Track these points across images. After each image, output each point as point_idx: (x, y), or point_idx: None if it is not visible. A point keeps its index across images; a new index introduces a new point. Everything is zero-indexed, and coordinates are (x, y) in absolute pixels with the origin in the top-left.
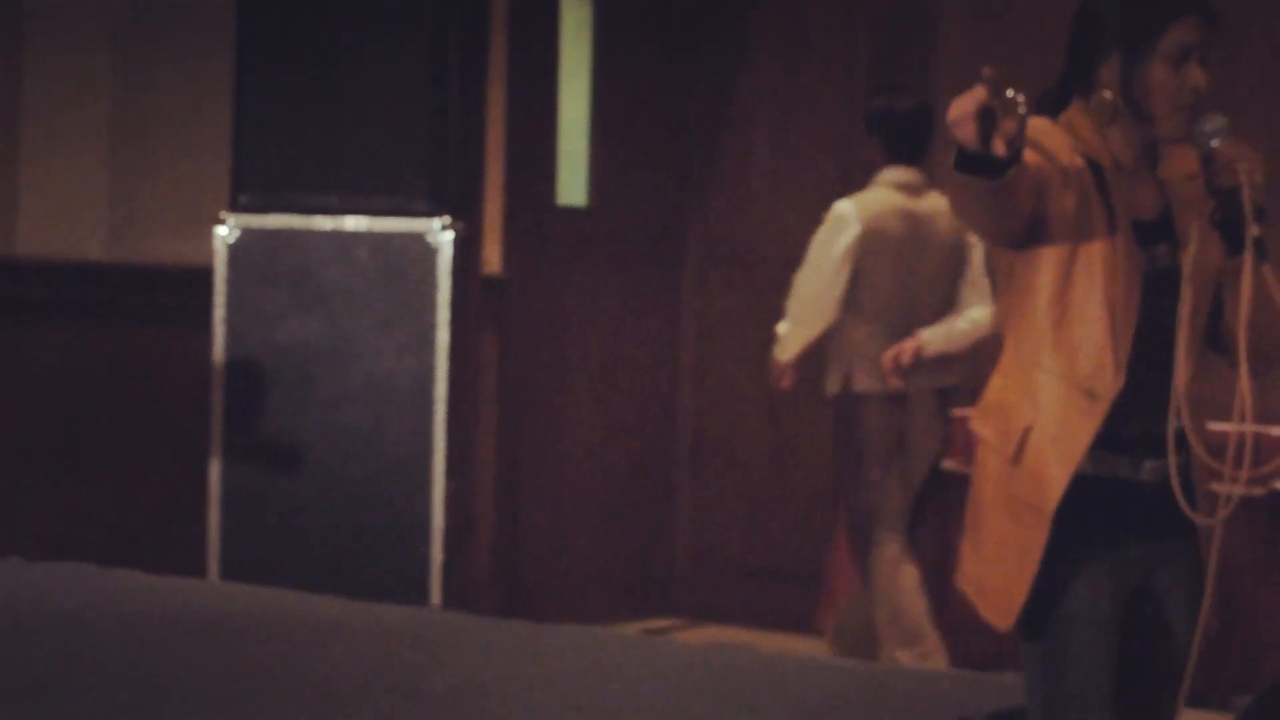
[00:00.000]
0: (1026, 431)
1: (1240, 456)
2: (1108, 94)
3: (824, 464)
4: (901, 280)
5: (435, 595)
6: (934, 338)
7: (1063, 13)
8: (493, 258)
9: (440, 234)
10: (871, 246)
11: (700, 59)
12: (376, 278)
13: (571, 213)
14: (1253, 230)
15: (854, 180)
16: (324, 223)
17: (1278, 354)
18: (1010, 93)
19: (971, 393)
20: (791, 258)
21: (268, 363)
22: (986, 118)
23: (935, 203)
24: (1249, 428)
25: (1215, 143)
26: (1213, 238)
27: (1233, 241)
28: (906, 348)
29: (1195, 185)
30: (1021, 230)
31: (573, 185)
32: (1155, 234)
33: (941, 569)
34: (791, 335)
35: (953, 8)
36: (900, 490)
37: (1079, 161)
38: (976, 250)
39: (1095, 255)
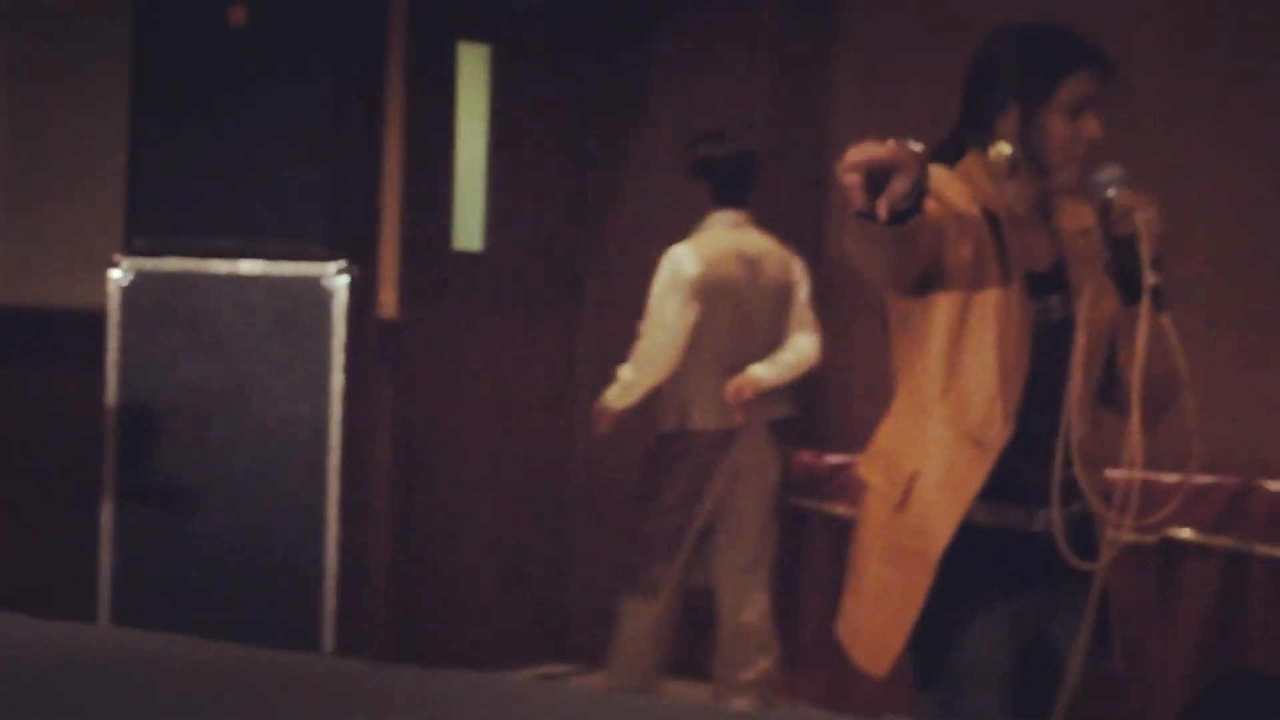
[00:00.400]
0: (913, 478)
1: (1126, 504)
2: (1007, 146)
3: None
4: (737, 320)
5: (328, 641)
6: (766, 372)
7: (958, 61)
8: (388, 302)
9: (336, 278)
10: (709, 288)
11: (598, 103)
12: (271, 321)
13: (468, 257)
14: (1149, 279)
15: (752, 217)
16: (219, 266)
17: (1168, 404)
18: (912, 145)
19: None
20: None
21: (162, 406)
22: (876, 176)
23: (762, 242)
24: (1137, 475)
25: (1111, 192)
26: (1108, 289)
27: (1129, 291)
28: (745, 383)
29: (1089, 238)
30: (917, 277)
31: (469, 229)
32: (1048, 285)
33: (826, 613)
34: (635, 383)
35: (850, 57)
36: (731, 525)
37: (975, 211)
38: (802, 286)
39: (989, 305)
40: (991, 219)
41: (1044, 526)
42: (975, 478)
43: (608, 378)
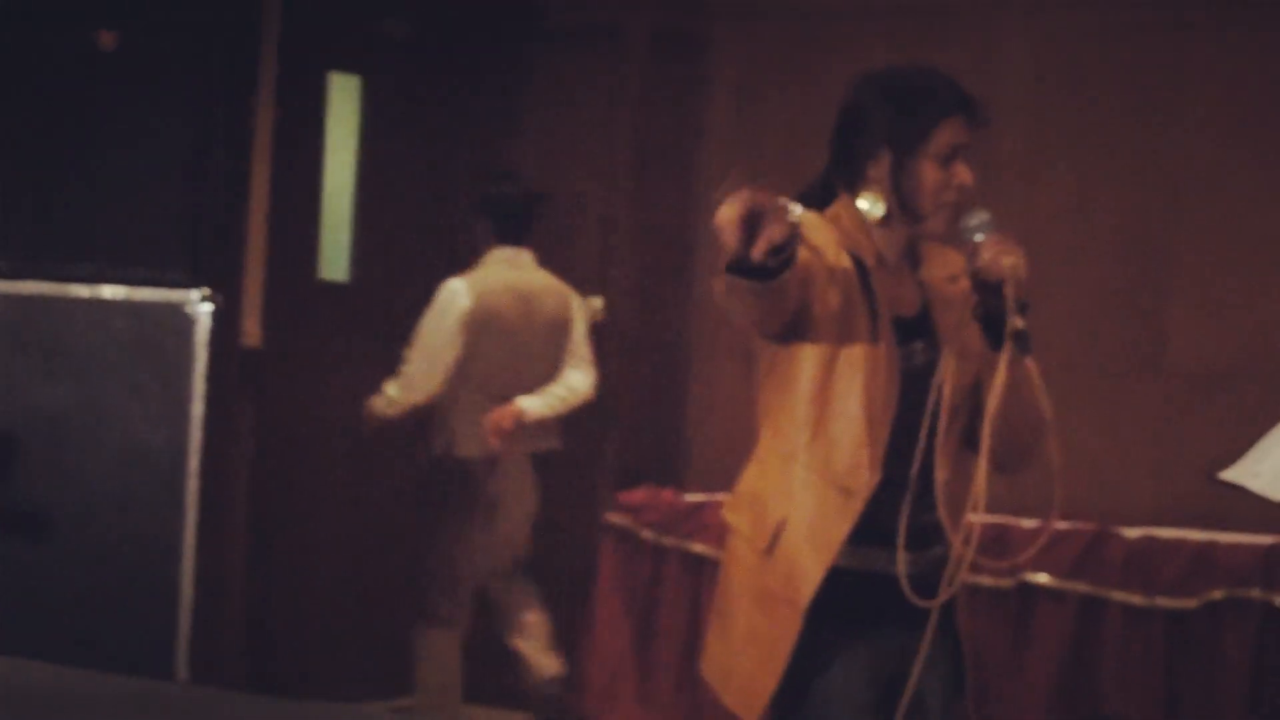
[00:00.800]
0: (781, 525)
1: (970, 544)
2: (877, 201)
3: (582, 544)
4: (509, 353)
5: (182, 669)
6: (532, 405)
7: (828, 102)
8: (252, 330)
9: (198, 305)
10: (481, 321)
11: (468, 135)
12: (132, 347)
13: (333, 287)
14: (1015, 323)
15: (618, 255)
16: (79, 290)
17: (1032, 449)
18: (783, 202)
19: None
20: None
21: (17, 430)
22: (751, 223)
23: (540, 279)
24: (984, 518)
25: (979, 236)
26: (974, 335)
27: (994, 336)
28: (507, 413)
29: (955, 286)
30: (786, 324)
31: (335, 259)
32: (914, 331)
33: (684, 649)
34: (395, 401)
35: (722, 94)
36: (484, 557)
37: (845, 259)
38: (578, 323)
39: (856, 352)
40: (860, 266)
41: (907, 569)
42: (842, 525)
43: None
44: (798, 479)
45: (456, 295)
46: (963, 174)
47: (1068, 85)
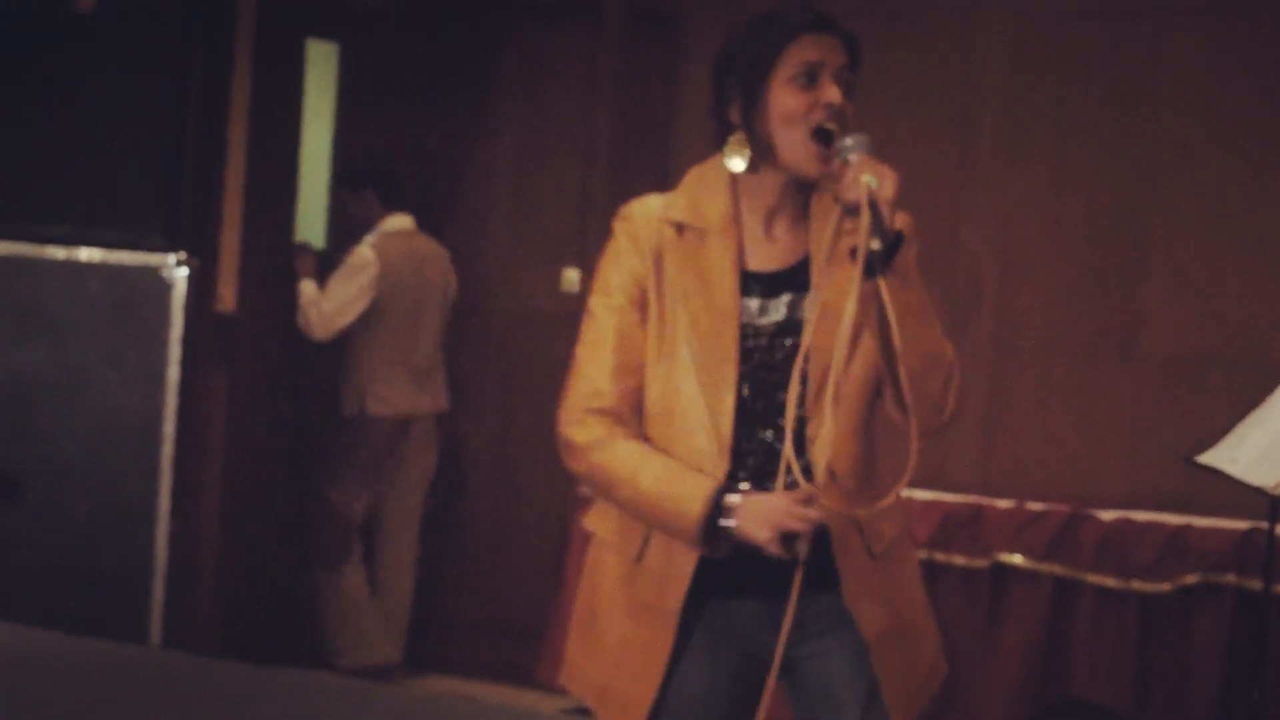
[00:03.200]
0: (649, 529)
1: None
2: (739, 142)
3: (549, 518)
4: (410, 316)
5: (156, 634)
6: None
7: None
8: (227, 295)
9: (175, 269)
10: (387, 288)
11: (444, 104)
12: (107, 311)
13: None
14: (869, 243)
15: (591, 237)
16: (55, 253)
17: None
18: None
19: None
20: (529, 309)
21: None
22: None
23: (429, 245)
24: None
25: (853, 157)
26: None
27: (867, 267)
28: None
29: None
30: None
31: (313, 226)
32: (778, 286)
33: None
34: (308, 304)
35: (699, 70)
36: (394, 506)
37: (655, 233)
38: (453, 286)
39: (682, 325)
40: (680, 231)
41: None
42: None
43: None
44: None
45: (368, 264)
46: (830, 93)
47: (1045, 68)
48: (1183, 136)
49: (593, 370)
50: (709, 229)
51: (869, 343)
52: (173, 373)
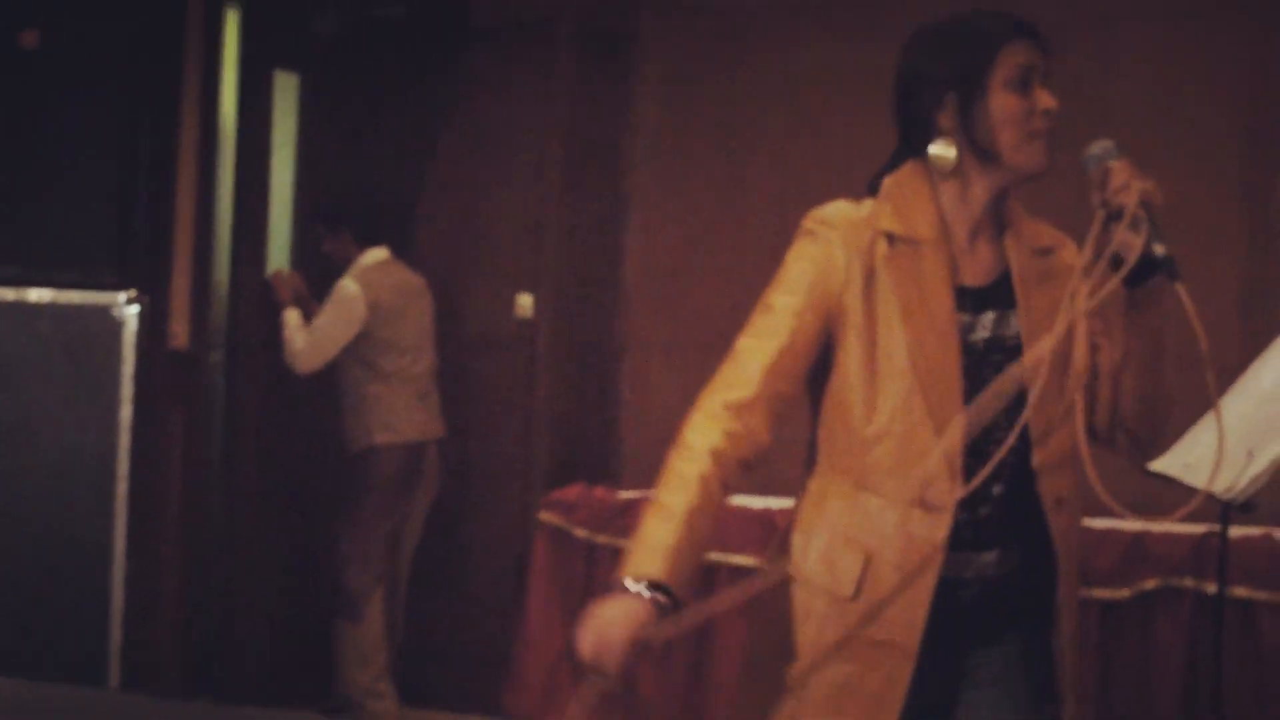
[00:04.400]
0: (865, 562)
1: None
2: (947, 141)
3: (508, 545)
4: (407, 343)
5: (114, 676)
6: None
7: (755, 97)
8: (180, 332)
9: (125, 307)
10: (380, 318)
11: (398, 130)
12: (59, 351)
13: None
14: (1158, 248)
15: (549, 252)
16: (5, 294)
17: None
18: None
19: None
20: (484, 334)
21: None
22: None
23: (409, 276)
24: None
25: (1112, 162)
26: (1059, 313)
27: (1131, 277)
28: None
29: (1047, 259)
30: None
31: (278, 256)
32: (983, 302)
33: None
34: (292, 333)
35: (650, 90)
36: (407, 538)
37: (864, 244)
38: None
39: (895, 341)
40: (891, 241)
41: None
42: (934, 543)
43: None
44: (874, 509)
45: (351, 296)
46: (1045, 99)
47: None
48: (1133, 145)
49: (752, 361)
50: (922, 240)
51: (1081, 362)
52: (126, 411)
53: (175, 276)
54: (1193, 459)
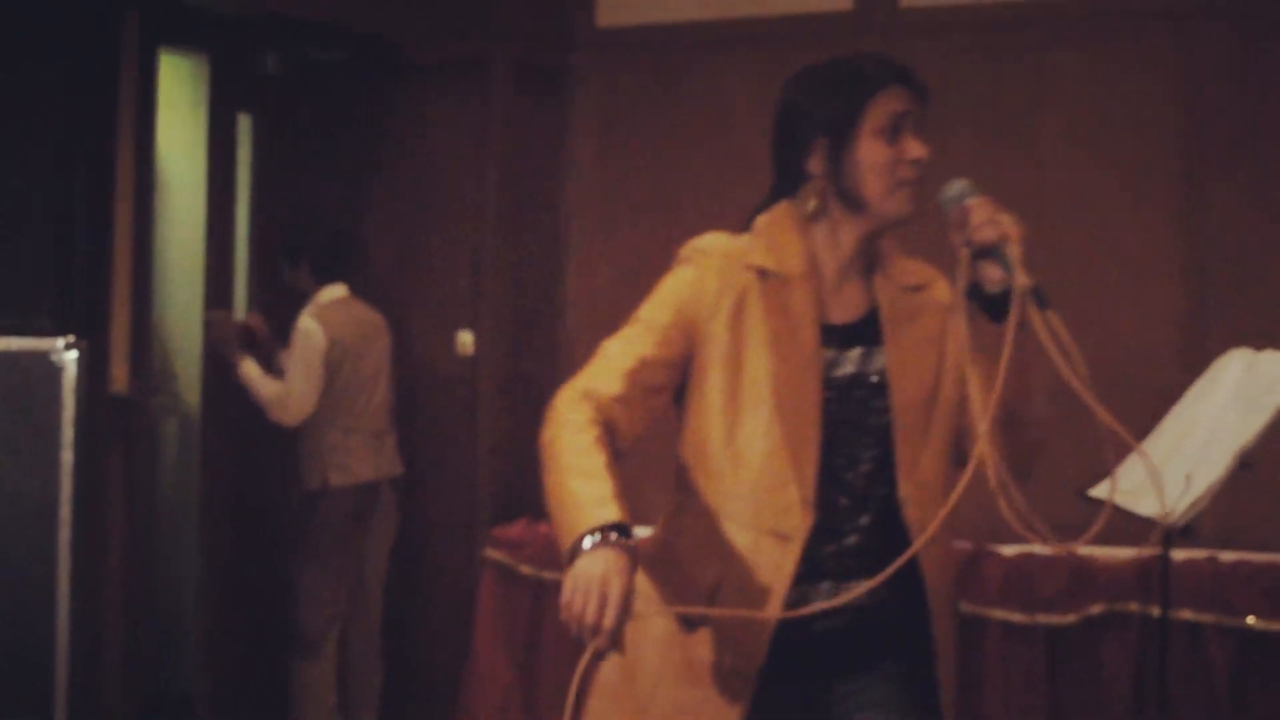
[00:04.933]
0: (715, 587)
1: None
2: (815, 186)
3: (456, 576)
4: (362, 382)
5: (60, 718)
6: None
7: (689, 134)
8: (120, 376)
9: (64, 353)
10: (337, 357)
11: (339, 168)
12: None
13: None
14: (1023, 279)
15: (488, 289)
16: None
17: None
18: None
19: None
20: (428, 371)
21: None
22: None
23: (366, 312)
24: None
25: (970, 200)
26: (928, 349)
27: (997, 311)
28: None
29: (918, 295)
30: (667, 401)
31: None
32: (850, 338)
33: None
34: (263, 392)
35: (586, 126)
36: (367, 579)
37: (738, 278)
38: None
39: (760, 374)
40: (764, 277)
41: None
42: (783, 573)
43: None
44: (727, 533)
45: (313, 335)
46: (914, 148)
47: (927, 107)
48: (1066, 171)
49: (614, 363)
50: (791, 276)
51: (949, 394)
52: (67, 456)
53: (115, 320)
54: (1129, 485)
